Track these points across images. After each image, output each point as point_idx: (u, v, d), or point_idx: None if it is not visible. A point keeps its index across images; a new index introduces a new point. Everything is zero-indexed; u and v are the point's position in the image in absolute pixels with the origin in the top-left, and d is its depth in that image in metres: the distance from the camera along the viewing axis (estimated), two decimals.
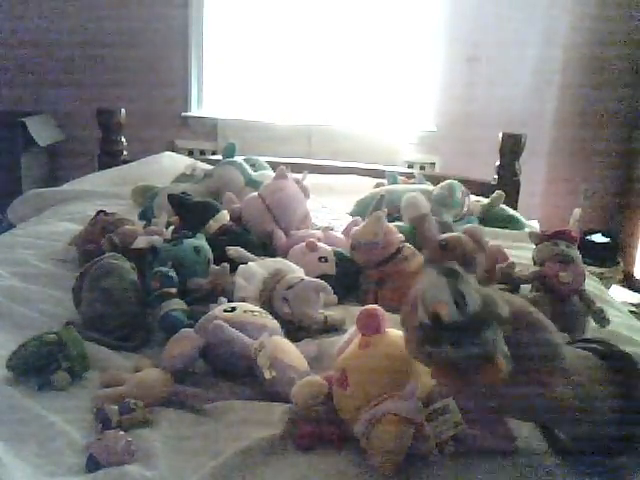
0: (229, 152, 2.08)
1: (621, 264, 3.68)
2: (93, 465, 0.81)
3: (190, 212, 1.57)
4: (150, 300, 1.22)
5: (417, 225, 0.84)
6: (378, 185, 2.29)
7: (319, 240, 1.53)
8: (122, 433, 0.85)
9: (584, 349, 0.72)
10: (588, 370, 0.68)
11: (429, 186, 2.10)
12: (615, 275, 3.61)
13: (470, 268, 1.20)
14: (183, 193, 1.67)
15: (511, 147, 2.53)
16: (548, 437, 0.83)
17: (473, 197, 2.09)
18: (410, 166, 3.54)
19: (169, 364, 1.01)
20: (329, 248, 1.49)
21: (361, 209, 1.92)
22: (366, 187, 2.30)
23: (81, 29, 3.56)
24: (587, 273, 1.32)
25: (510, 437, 0.86)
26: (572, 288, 1.20)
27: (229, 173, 1.97)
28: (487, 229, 1.93)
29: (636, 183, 3.71)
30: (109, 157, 2.68)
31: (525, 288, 1.35)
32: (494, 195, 2.08)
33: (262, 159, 2.36)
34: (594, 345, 0.73)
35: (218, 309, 1.11)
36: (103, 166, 2.65)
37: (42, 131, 3.47)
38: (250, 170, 2.03)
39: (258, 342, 1.00)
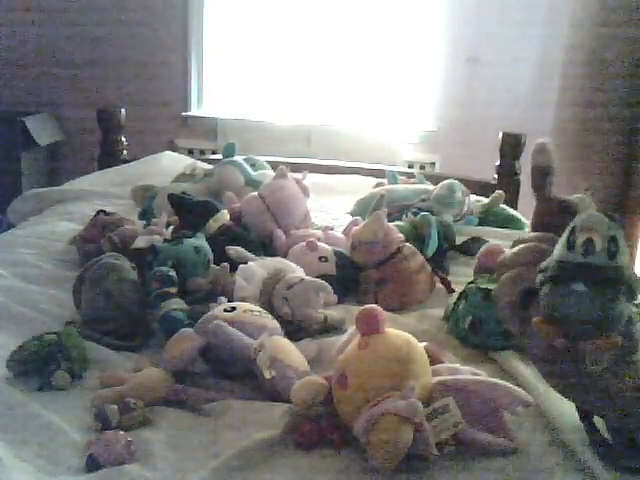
0: (229, 152, 2.08)
1: None
2: (93, 465, 0.81)
3: (190, 212, 1.57)
4: (150, 300, 1.21)
5: (540, 175, 0.84)
6: (378, 185, 2.29)
7: (319, 240, 1.53)
8: (122, 433, 0.85)
9: None
10: None
11: (429, 186, 2.10)
12: None
13: None
14: (183, 193, 1.66)
15: (511, 147, 2.53)
16: (588, 429, 0.82)
17: (473, 197, 2.08)
18: (410, 166, 3.53)
19: (169, 364, 1.01)
20: (329, 248, 1.49)
21: (361, 209, 1.92)
22: (366, 187, 2.30)
23: (81, 29, 3.56)
24: None
25: (510, 437, 0.86)
26: None
27: (229, 173, 1.97)
28: (487, 229, 1.93)
29: (636, 183, 3.71)
30: (109, 157, 2.68)
31: None
32: (494, 195, 2.08)
33: (262, 159, 2.35)
34: None
35: (218, 309, 1.11)
36: (103, 166, 2.65)
37: (42, 131, 3.47)
38: (250, 170, 2.03)
39: (258, 342, 1.00)
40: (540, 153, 0.86)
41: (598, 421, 0.84)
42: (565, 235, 0.62)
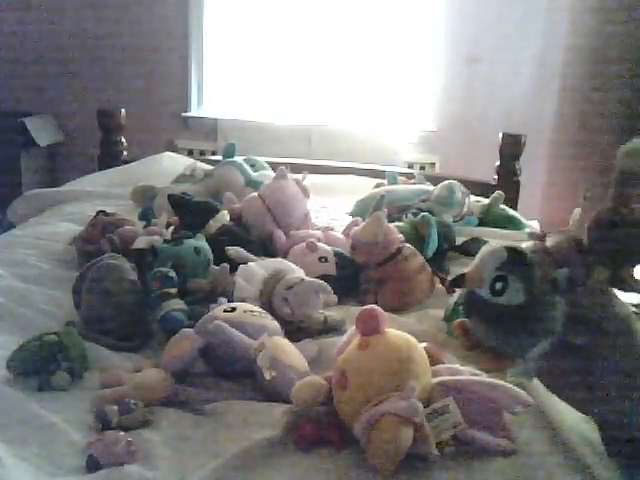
0: (229, 152, 2.08)
1: None
2: (93, 465, 0.81)
3: (190, 212, 1.57)
4: (150, 300, 1.21)
5: (626, 180, 0.74)
6: (378, 185, 2.29)
7: (319, 240, 1.53)
8: (122, 433, 0.85)
9: None
10: None
11: (429, 186, 2.10)
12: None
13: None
14: (183, 193, 1.67)
15: (511, 147, 2.53)
16: (605, 438, 0.82)
17: (473, 197, 2.08)
18: (410, 166, 3.53)
19: (169, 364, 1.01)
20: (329, 248, 1.49)
21: (361, 209, 1.92)
22: (366, 187, 2.30)
23: (81, 29, 3.56)
24: None
25: (510, 437, 0.86)
26: None
27: (229, 173, 1.97)
28: (487, 229, 1.93)
29: None
30: (109, 157, 2.68)
31: None
32: (494, 195, 2.08)
33: (262, 159, 2.36)
34: None
35: (218, 309, 1.11)
36: (103, 166, 2.65)
37: (42, 131, 3.47)
38: (250, 170, 2.03)
39: (258, 342, 1.00)
40: (628, 156, 0.76)
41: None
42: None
